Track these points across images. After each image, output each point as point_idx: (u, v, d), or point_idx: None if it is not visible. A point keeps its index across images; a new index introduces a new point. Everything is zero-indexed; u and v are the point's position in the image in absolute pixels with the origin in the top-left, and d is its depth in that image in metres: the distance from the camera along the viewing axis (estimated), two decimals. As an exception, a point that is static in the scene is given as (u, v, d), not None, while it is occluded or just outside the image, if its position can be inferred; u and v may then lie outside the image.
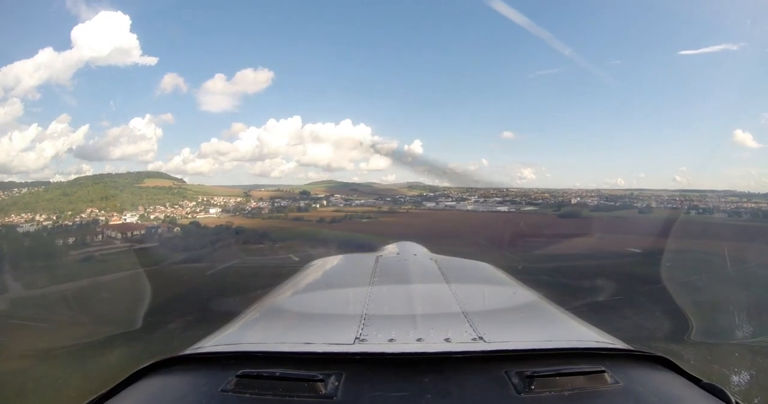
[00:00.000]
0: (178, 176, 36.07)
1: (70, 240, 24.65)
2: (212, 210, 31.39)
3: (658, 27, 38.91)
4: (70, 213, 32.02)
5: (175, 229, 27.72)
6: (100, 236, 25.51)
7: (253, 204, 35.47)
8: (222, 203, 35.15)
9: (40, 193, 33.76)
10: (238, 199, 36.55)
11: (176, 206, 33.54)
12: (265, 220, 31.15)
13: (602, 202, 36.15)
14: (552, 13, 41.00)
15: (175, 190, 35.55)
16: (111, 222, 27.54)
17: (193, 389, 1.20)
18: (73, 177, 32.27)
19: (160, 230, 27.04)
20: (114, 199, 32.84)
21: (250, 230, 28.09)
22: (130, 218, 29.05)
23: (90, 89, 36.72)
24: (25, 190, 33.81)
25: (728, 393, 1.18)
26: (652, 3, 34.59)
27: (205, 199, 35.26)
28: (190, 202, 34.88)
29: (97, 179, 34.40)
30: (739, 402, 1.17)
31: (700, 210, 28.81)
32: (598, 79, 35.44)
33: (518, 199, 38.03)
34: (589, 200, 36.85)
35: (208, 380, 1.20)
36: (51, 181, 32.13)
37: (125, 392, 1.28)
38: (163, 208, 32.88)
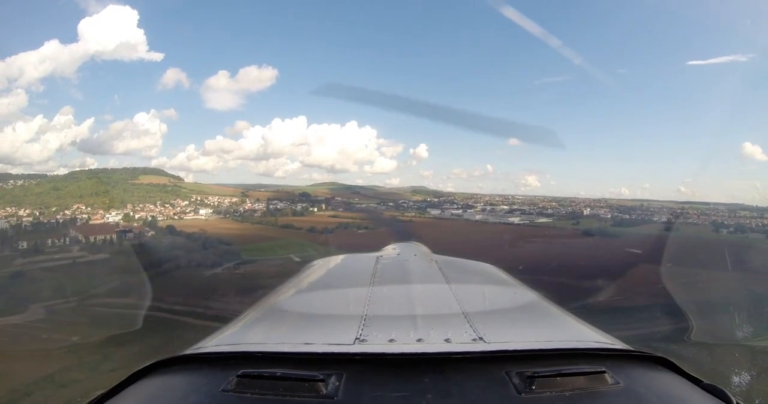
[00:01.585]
0: (182, 173, 35.44)
1: (25, 243, 21.83)
2: (202, 212, 29.05)
3: (666, 37, 38.10)
4: (54, 209, 29.76)
5: (149, 233, 24.77)
6: (64, 239, 22.60)
7: (248, 205, 32.97)
8: (216, 203, 32.35)
9: (31, 186, 31.32)
10: (234, 200, 33.67)
11: (167, 205, 31.14)
12: (253, 225, 28.39)
13: (616, 213, 33.45)
14: (560, 21, 39.79)
15: (170, 187, 34.14)
16: (91, 221, 24.75)
17: (193, 389, 1.17)
18: (75, 170, 31.37)
19: (130, 234, 24.18)
20: (104, 195, 31.35)
21: (221, 244, 24.47)
22: (114, 217, 27.14)
23: (95, 83, 36.27)
24: (21, 182, 32.26)
25: (729, 394, 1.16)
26: (660, 13, 34.20)
27: (198, 199, 32.79)
28: (183, 201, 32.65)
29: (91, 173, 32.92)
30: (740, 402, 1.15)
31: (731, 230, 25.00)
32: (604, 87, 34.48)
33: (526, 208, 34.40)
34: (602, 212, 34.19)
35: (208, 380, 1.17)
36: (55, 173, 31.20)
37: (126, 392, 1.26)
38: (152, 207, 30.55)
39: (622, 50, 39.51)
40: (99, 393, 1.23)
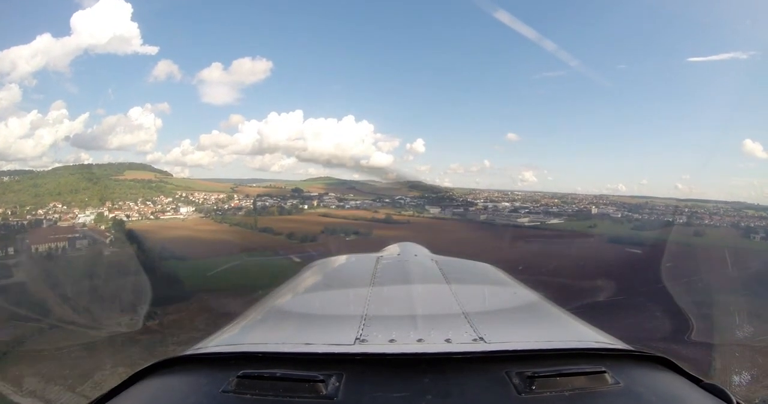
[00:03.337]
0: (178, 168, 33.99)
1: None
2: (183, 210, 27.07)
3: (666, 33, 38.03)
4: (28, 207, 26.95)
5: (107, 239, 22.01)
6: (5, 250, 19.84)
7: (235, 202, 30.43)
8: (201, 200, 29.79)
9: (11, 183, 28.88)
10: (221, 196, 30.93)
11: (148, 202, 28.31)
12: (231, 227, 25.97)
13: (626, 212, 30.72)
14: (560, 15, 40.20)
15: (154, 183, 31.64)
16: (59, 223, 22.21)
17: (194, 389, 1.16)
18: (59, 166, 29.75)
19: (83, 241, 21.42)
20: (83, 192, 28.74)
21: (174, 259, 20.82)
22: (87, 216, 24.63)
23: (88, 77, 36.02)
24: (6, 179, 30.94)
25: (729, 394, 1.14)
26: (661, 9, 34.14)
27: (184, 195, 30.06)
28: (167, 197, 29.94)
29: (75, 169, 30.38)
30: (740, 402, 1.15)
31: (762, 235, 21.78)
32: (603, 83, 34.06)
33: (530, 206, 31.65)
34: (611, 210, 31.36)
35: (209, 380, 1.16)
36: (49, 169, 29.54)
37: (126, 393, 1.24)
38: (132, 205, 27.98)
39: (622, 46, 39.51)
40: (100, 394, 1.20)
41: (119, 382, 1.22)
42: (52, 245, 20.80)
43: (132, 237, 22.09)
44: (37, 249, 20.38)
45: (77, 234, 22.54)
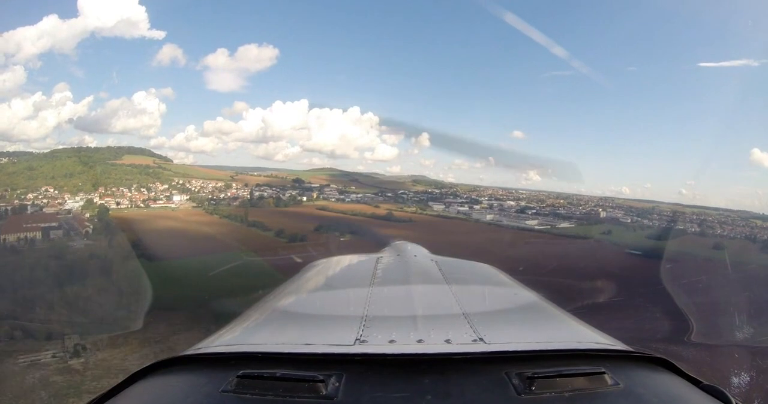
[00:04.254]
0: (182, 154, 34.04)
1: None
2: (177, 198, 25.79)
3: (678, 36, 36.93)
4: (19, 191, 25.91)
5: (85, 230, 20.65)
6: None
7: (232, 191, 29.17)
8: (198, 188, 28.66)
9: (5, 165, 27.88)
10: (219, 185, 29.81)
11: (142, 189, 27.30)
12: (220, 220, 24.99)
13: (635, 218, 29.36)
14: (572, 15, 39.24)
15: (151, 169, 30.50)
16: (45, 209, 21.16)
17: (193, 389, 1.16)
18: (57, 148, 29.27)
19: (58, 231, 20.22)
20: (78, 176, 27.87)
21: (143, 259, 18.66)
22: (76, 202, 24.65)
23: (94, 60, 34.52)
24: (5, 160, 29.06)
25: (728, 395, 1.15)
26: (673, 12, 34.07)
27: (180, 183, 28.88)
28: (162, 184, 28.67)
29: (72, 153, 29.60)
30: (740, 403, 1.15)
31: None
32: (612, 84, 33.45)
33: (536, 206, 30.47)
34: (619, 215, 30.00)
35: (208, 380, 1.16)
36: (44, 152, 29.06)
37: (125, 392, 1.24)
38: (126, 191, 26.90)
39: (633, 48, 38.21)
40: (99, 394, 1.20)
41: (119, 382, 1.20)
42: (22, 235, 19.14)
43: (110, 229, 20.75)
44: (5, 239, 18.98)
45: (54, 224, 21.20)
